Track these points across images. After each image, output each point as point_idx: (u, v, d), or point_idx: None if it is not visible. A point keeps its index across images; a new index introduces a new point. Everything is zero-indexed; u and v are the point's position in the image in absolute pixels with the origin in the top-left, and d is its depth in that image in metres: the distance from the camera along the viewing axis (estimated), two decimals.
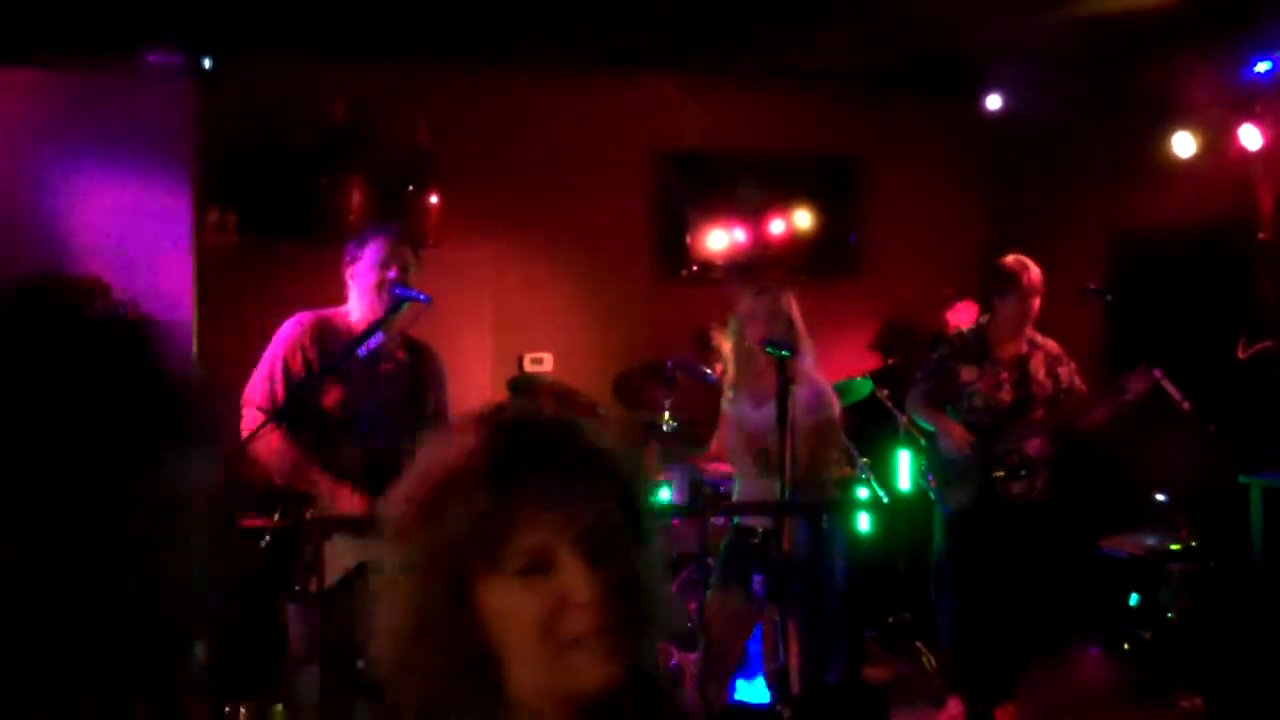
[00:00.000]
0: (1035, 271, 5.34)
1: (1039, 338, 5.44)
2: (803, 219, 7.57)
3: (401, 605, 1.24)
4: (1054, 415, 5.32)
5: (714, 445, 5.14)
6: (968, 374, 5.41)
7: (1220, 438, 5.21)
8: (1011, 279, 5.33)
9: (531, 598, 1.21)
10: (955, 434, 5.32)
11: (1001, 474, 5.30)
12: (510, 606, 1.21)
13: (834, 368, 5.95)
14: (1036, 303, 5.34)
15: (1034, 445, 5.36)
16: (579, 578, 1.21)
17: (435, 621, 1.22)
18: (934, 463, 5.54)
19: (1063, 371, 5.40)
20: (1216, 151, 5.94)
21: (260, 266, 5.73)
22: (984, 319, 5.54)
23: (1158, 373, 5.11)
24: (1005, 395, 5.34)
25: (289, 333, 4.00)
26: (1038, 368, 5.37)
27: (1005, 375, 5.37)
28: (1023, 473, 5.32)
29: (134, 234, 4.65)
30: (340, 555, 3.82)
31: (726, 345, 6.32)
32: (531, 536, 1.21)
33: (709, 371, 5.84)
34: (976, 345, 5.47)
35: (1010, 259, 5.42)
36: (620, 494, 1.27)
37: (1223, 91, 5.85)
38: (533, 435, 1.26)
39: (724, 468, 5.21)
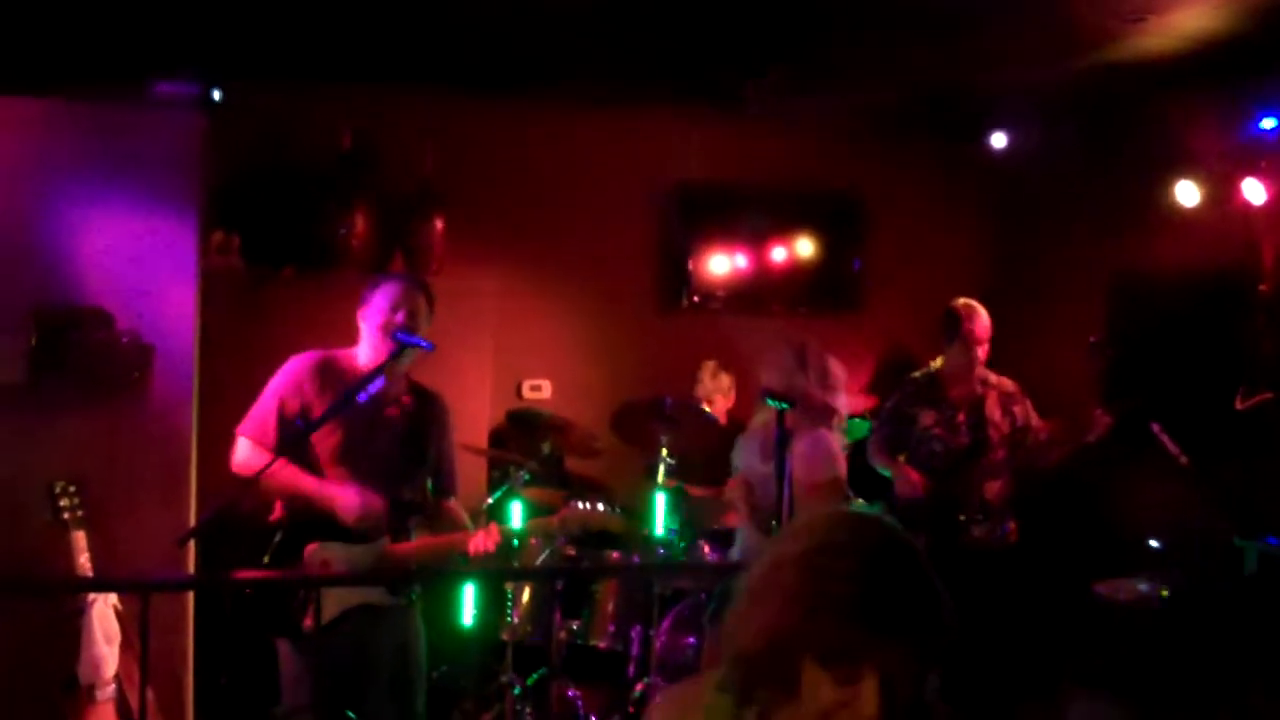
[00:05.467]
0: (982, 318, 5.41)
1: (993, 377, 5.49)
2: (805, 248, 7.58)
3: (774, 615, 1.70)
4: (1014, 457, 5.37)
5: (726, 490, 5.09)
6: (926, 418, 5.47)
7: (1216, 494, 5.22)
8: (957, 323, 5.40)
9: (830, 689, 1.63)
10: (910, 478, 5.36)
11: (963, 518, 5.34)
12: (815, 684, 1.64)
13: None
14: (982, 350, 5.41)
15: (993, 488, 5.40)
16: (870, 703, 1.61)
17: (781, 640, 1.68)
18: (893, 509, 5.53)
19: (1018, 410, 5.45)
20: (1220, 202, 5.93)
21: (264, 294, 5.75)
22: (936, 362, 5.59)
23: (1155, 426, 5.14)
24: (963, 439, 5.38)
25: (291, 370, 3.97)
26: (993, 408, 5.42)
27: (962, 417, 5.41)
28: (979, 517, 5.35)
29: (138, 262, 4.64)
30: (338, 593, 3.82)
31: (713, 380, 6.34)
32: (864, 657, 1.61)
33: (707, 410, 5.85)
34: (930, 389, 5.51)
35: (959, 303, 5.48)
36: (932, 649, 1.66)
37: (1227, 144, 5.85)
38: (908, 588, 1.67)
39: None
